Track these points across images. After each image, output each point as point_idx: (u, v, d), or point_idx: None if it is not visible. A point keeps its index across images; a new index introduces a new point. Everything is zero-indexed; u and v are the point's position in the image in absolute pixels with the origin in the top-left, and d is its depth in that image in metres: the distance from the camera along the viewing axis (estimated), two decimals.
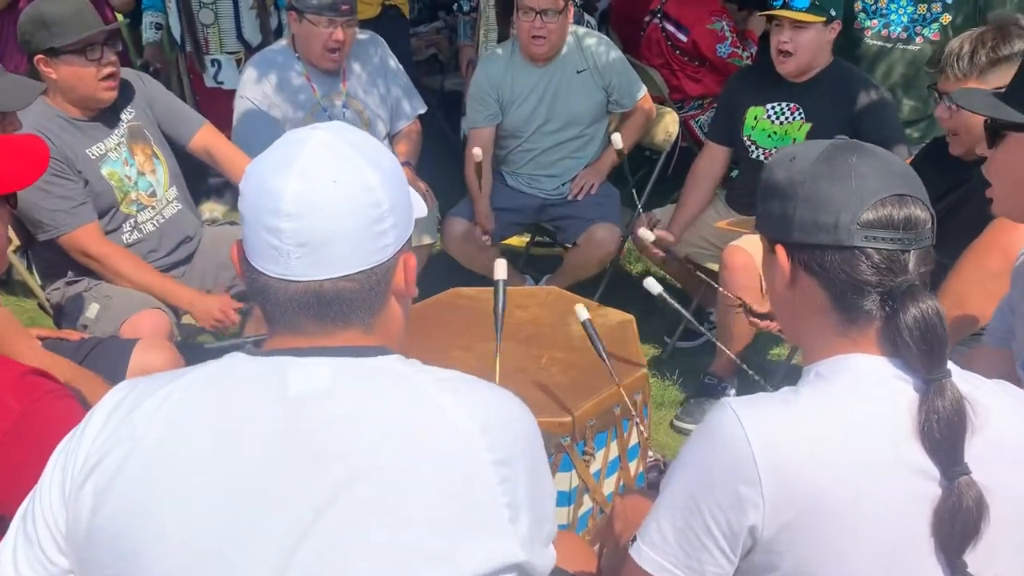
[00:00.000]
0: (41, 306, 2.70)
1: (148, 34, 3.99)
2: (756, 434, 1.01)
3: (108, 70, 2.45)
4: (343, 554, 0.91)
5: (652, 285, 2.26)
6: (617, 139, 2.93)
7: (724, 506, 1.02)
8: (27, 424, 1.22)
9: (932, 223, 1.09)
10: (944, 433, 1.00)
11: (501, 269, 2.12)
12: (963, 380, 1.06)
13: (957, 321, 1.93)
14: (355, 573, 0.91)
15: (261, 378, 0.97)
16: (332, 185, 0.97)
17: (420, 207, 1.13)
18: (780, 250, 1.13)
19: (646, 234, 2.53)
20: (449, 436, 0.95)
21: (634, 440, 2.27)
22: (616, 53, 3.35)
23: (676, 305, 2.32)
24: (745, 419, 1.02)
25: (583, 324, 2.06)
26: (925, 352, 1.02)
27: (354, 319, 1.00)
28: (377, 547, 0.91)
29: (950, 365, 1.06)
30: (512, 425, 1.00)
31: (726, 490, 1.02)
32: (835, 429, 1.02)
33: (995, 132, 1.39)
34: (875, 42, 3.15)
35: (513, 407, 1.04)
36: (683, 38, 4.13)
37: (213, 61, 3.88)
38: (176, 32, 3.89)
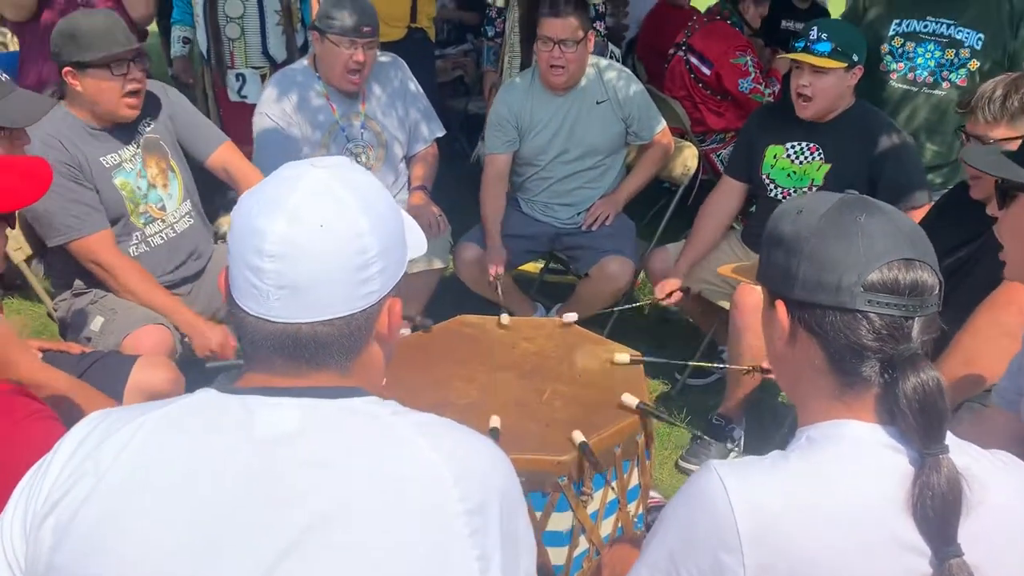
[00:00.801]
0: (50, 314, 2.71)
1: (176, 48, 4.04)
2: (740, 501, 0.98)
3: (132, 86, 2.47)
4: None
5: (628, 399, 2.16)
6: (571, 317, 2.57)
7: (704, 570, 0.99)
8: (6, 444, 1.20)
9: (940, 289, 1.05)
10: (938, 511, 0.96)
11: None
12: (961, 452, 1.02)
13: (966, 379, 1.88)
14: None
15: (229, 417, 0.95)
16: (319, 229, 0.95)
17: (418, 245, 1.11)
18: (780, 306, 1.09)
19: (622, 358, 2.36)
20: (420, 483, 0.93)
21: (635, 481, 2.22)
22: (637, 86, 3.33)
23: (661, 414, 2.30)
24: (730, 484, 0.99)
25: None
26: (923, 425, 0.98)
27: (330, 362, 0.98)
28: None
29: (950, 437, 1.02)
30: (487, 475, 0.97)
31: (706, 555, 0.99)
32: (824, 500, 0.98)
33: (1005, 193, 1.35)
34: (900, 85, 3.10)
35: (490, 456, 1.01)
36: (707, 71, 4.12)
37: (238, 75, 3.90)
38: (203, 46, 3.92)
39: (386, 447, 0.94)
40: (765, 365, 2.14)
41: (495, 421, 2.03)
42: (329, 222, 0.95)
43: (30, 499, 0.96)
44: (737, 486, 0.99)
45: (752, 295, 2.63)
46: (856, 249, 1.03)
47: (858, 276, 1.02)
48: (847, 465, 1.01)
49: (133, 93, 2.48)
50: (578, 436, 1.99)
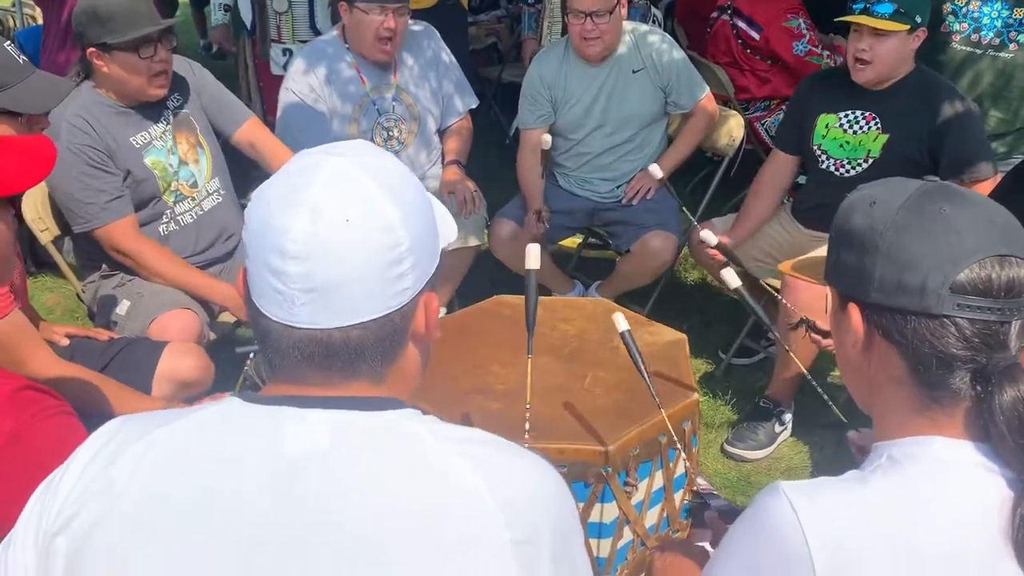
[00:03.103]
0: (79, 295, 2.68)
1: (216, 16, 3.95)
2: (815, 530, 0.87)
3: (160, 67, 2.40)
4: None
5: (731, 277, 2.00)
6: (656, 169, 2.66)
7: None
8: (19, 442, 1.16)
9: None
10: None
11: (533, 256, 1.84)
12: None
13: None
14: None
15: (255, 433, 0.87)
16: (344, 225, 0.85)
17: (449, 230, 1.01)
18: (854, 309, 0.98)
19: (709, 236, 2.34)
20: (463, 511, 0.84)
21: (680, 470, 2.13)
22: (677, 52, 3.17)
23: (752, 303, 2.04)
24: (802, 510, 0.88)
25: (622, 336, 1.85)
26: (1023, 445, 0.87)
27: (363, 369, 0.89)
28: None
29: None
30: (538, 500, 0.88)
31: None
32: (909, 528, 0.87)
33: None
34: (963, 47, 2.92)
35: (541, 477, 0.91)
36: (756, 36, 3.93)
37: (285, 50, 3.78)
38: (246, 18, 3.81)
39: (425, 471, 0.86)
40: (819, 324, 1.94)
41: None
42: (356, 216, 0.86)
43: (43, 514, 0.89)
44: (811, 514, 0.88)
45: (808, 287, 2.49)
46: (942, 246, 0.91)
47: (945, 277, 0.90)
48: (935, 489, 0.90)
49: (161, 73, 2.41)
50: (621, 322, 1.81)
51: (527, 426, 1.79)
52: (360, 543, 0.82)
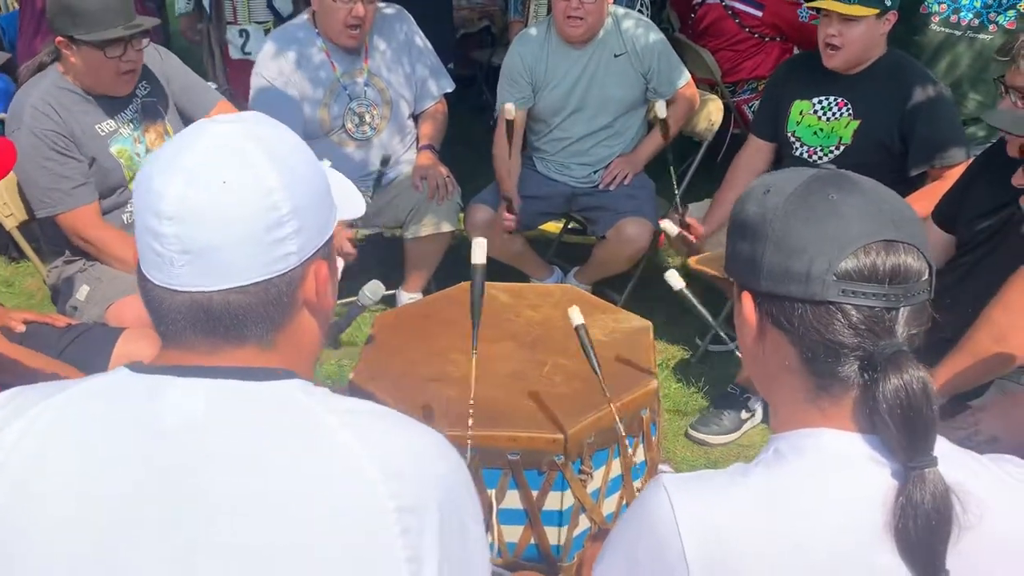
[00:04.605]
0: (44, 280, 2.68)
1: (180, 5, 3.93)
2: (689, 524, 0.86)
3: (127, 66, 2.38)
4: None
5: (674, 279, 2.04)
6: (661, 107, 2.62)
7: None
8: None
9: (930, 274, 0.90)
10: (921, 534, 0.83)
11: (479, 251, 1.84)
12: (957, 466, 0.88)
13: (996, 356, 1.72)
14: None
15: (134, 402, 0.88)
16: (220, 187, 0.86)
17: (353, 206, 1.04)
18: (747, 298, 0.96)
19: (669, 227, 2.32)
20: (343, 479, 0.84)
21: (641, 458, 2.12)
22: (656, 35, 3.14)
23: (697, 304, 2.07)
24: (678, 503, 0.87)
25: (576, 331, 1.85)
26: (906, 434, 0.85)
27: (249, 335, 0.90)
28: None
29: (943, 446, 0.88)
30: (425, 470, 0.88)
31: None
32: (788, 523, 0.86)
33: None
34: (942, 29, 2.87)
35: (432, 449, 0.91)
36: (758, 14, 3.88)
37: (241, 31, 3.78)
38: (206, 1, 3.80)
39: (301, 439, 0.86)
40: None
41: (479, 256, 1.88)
42: (231, 179, 0.87)
43: None
44: (687, 505, 0.87)
45: None
46: (827, 231, 0.88)
47: (830, 263, 0.88)
48: (817, 484, 0.88)
49: (129, 72, 2.40)
50: (575, 315, 1.82)
51: (470, 422, 1.78)
52: (235, 510, 0.82)
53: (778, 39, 3.91)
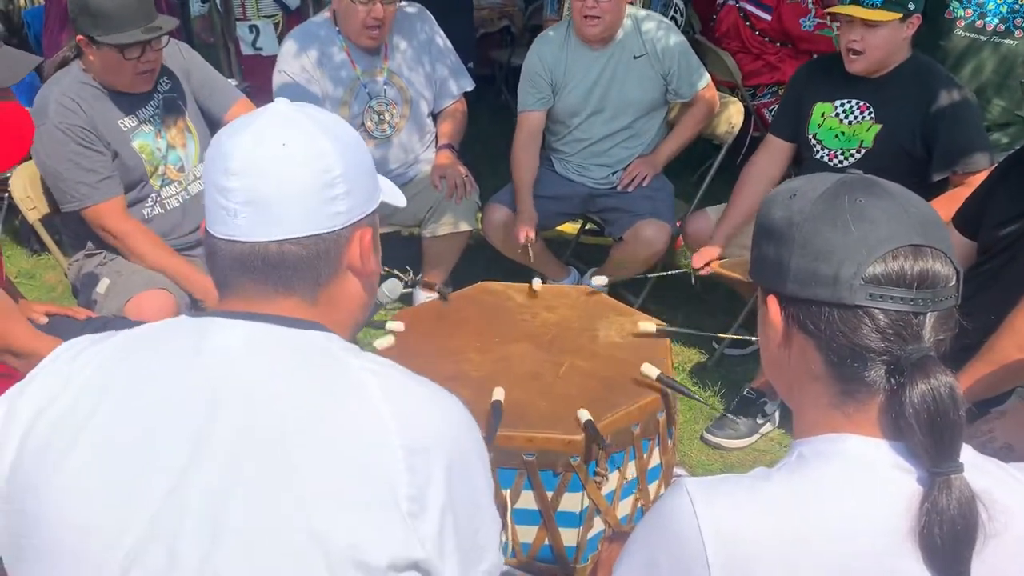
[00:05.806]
0: (65, 274, 2.70)
1: (194, 7, 3.95)
2: (712, 528, 0.85)
3: (146, 67, 2.41)
4: (217, 508, 0.89)
5: (598, 281, 2.18)
6: (601, 280, 2.43)
7: None
8: None
9: (957, 280, 0.90)
10: (947, 540, 0.82)
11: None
12: (982, 473, 0.87)
13: (1018, 365, 1.70)
14: (228, 529, 0.88)
15: (184, 336, 0.98)
16: (281, 147, 0.98)
17: (396, 196, 1.14)
18: (772, 302, 0.95)
19: (647, 327, 2.20)
20: (358, 411, 0.92)
21: (656, 461, 2.11)
22: (677, 37, 3.13)
23: (678, 387, 2.06)
24: (701, 507, 0.86)
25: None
26: (932, 439, 0.84)
27: (297, 286, 1.00)
28: (252, 513, 0.88)
29: (968, 453, 0.88)
30: (435, 422, 0.95)
31: None
32: (811, 528, 0.85)
33: None
34: (967, 34, 2.84)
35: (446, 408, 0.98)
36: (767, 17, 3.87)
37: (251, 27, 3.79)
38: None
39: (324, 374, 0.95)
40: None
41: (499, 394, 1.93)
42: (291, 141, 0.99)
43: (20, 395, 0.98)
44: (709, 509, 0.86)
45: None
46: (855, 235, 0.88)
47: (858, 267, 0.87)
48: (841, 489, 0.87)
49: (147, 72, 2.42)
50: (584, 415, 1.87)
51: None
52: (258, 427, 0.90)
53: (789, 45, 3.90)
